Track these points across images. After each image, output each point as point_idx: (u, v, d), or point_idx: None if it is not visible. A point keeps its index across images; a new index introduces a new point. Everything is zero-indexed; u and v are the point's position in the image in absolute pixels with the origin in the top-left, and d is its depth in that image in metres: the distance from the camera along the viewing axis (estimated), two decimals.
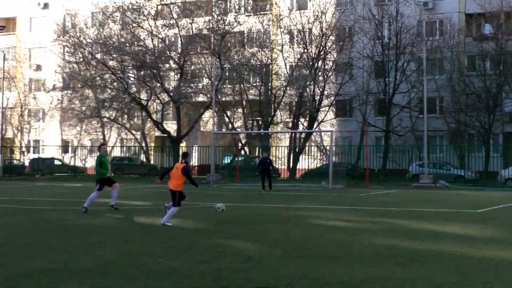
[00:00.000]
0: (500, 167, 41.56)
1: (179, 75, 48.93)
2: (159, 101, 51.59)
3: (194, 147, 51.14)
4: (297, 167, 47.45)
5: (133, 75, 49.38)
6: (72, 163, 55.09)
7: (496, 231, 14.46)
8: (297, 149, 48.11)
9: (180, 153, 47.64)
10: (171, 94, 47.83)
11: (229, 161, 48.31)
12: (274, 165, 39.33)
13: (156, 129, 52.93)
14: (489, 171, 42.23)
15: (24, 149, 60.33)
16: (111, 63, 47.64)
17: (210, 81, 46.57)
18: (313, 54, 47.61)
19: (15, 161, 55.97)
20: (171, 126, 52.33)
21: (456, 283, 8.72)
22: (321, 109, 48.58)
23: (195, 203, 22.36)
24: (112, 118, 50.78)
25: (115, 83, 48.04)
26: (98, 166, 19.21)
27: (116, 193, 19.71)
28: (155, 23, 48.78)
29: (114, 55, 47.43)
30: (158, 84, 48.14)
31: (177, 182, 15.38)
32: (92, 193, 19.17)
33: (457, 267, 9.82)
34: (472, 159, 43.44)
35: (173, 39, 50.33)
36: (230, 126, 50.26)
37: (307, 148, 48.32)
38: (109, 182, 19.51)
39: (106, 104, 48.71)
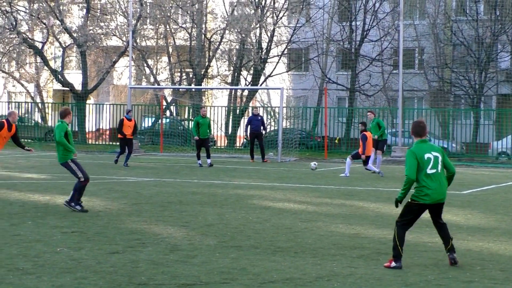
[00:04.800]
0: (492, 138, 42.27)
1: (85, 10, 48.11)
2: (58, 44, 50.81)
3: (105, 105, 50.65)
4: (237, 133, 47.49)
5: (23, 9, 48.39)
6: None
7: (484, 218, 14.83)
8: (237, 111, 48.13)
9: (88, 112, 47.16)
10: (75, 35, 47.15)
11: (150, 124, 48.04)
12: (266, 126, 36.27)
13: (54, 80, 52.18)
14: (478, 143, 43.00)
15: None
16: None
17: (126, 20, 46.03)
18: None
19: None
20: (74, 78, 51.64)
21: (433, 281, 8.93)
22: (269, 60, 48.60)
23: (106, 177, 22.27)
24: None
25: None
26: None
27: None
28: None
29: None
30: (57, 22, 47.34)
31: None
32: None
33: (435, 262, 10.07)
34: (457, 127, 44.13)
35: None
36: (151, 79, 49.89)
37: (250, 109, 48.40)
38: None
39: None
